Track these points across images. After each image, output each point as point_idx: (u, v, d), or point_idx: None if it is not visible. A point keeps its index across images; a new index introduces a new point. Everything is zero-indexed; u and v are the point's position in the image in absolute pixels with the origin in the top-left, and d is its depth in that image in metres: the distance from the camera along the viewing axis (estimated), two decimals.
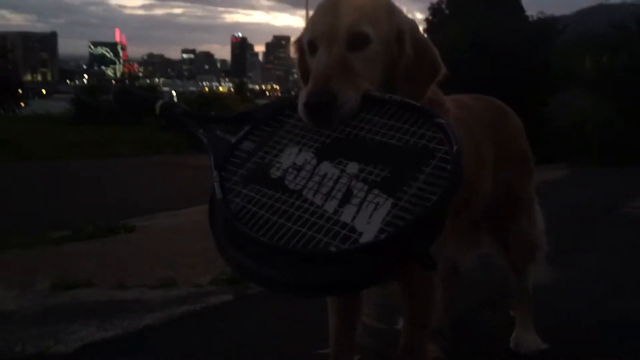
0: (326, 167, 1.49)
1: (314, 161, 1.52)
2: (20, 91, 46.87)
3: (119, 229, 6.40)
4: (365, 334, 2.09)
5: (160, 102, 1.91)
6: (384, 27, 1.69)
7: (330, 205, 1.40)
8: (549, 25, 24.35)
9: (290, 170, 1.52)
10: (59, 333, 2.60)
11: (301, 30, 1.83)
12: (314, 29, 1.69)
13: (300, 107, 1.59)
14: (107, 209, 8.74)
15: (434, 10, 29.96)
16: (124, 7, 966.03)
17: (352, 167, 1.46)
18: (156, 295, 3.20)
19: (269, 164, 1.56)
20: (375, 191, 1.38)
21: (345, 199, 1.40)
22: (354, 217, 1.35)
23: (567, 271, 3.79)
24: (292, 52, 1.90)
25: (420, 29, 1.85)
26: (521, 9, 26.39)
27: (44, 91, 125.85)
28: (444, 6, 29.60)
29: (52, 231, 6.36)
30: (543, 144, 17.70)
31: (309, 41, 1.71)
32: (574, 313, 3.03)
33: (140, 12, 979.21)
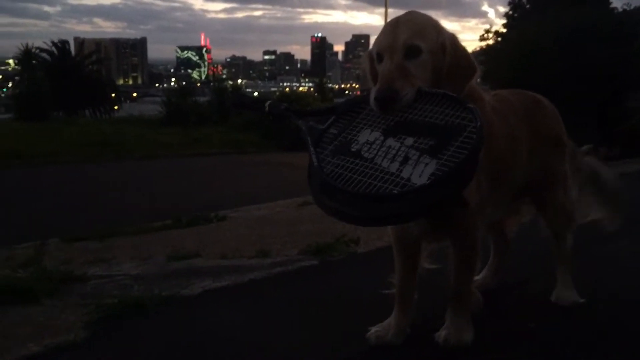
0: (390, 141, 2.11)
1: (382, 137, 2.14)
2: (114, 95, 49.81)
3: (212, 218, 7.20)
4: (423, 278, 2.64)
5: (268, 102, 2.61)
6: (432, 41, 2.27)
7: (393, 166, 2.02)
8: (635, 17, 23.43)
9: (365, 144, 2.15)
10: (183, 284, 3.32)
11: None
12: (381, 44, 2.29)
13: (371, 100, 2.20)
14: (198, 202, 9.60)
15: (515, 5, 29.46)
16: (207, 11, 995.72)
17: (409, 141, 2.08)
18: (254, 262, 3.89)
19: (349, 141, 2.19)
20: (425, 155, 2.01)
21: (404, 162, 2.02)
22: (411, 174, 1.98)
23: (619, 248, 4.13)
24: (364, 61, 2.50)
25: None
26: (606, 1, 25.56)
27: (135, 94, 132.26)
28: (524, 0, 29.06)
29: (153, 221, 7.20)
30: (625, 138, 17.30)
31: (377, 53, 2.32)
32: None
33: (223, 15, 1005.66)
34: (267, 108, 2.58)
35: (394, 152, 2.07)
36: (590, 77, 19.59)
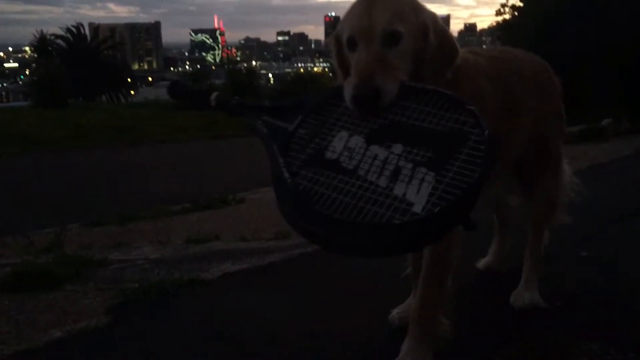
0: (375, 149, 1.73)
1: (364, 144, 1.75)
2: (130, 80, 50.08)
3: (230, 200, 7.21)
4: None
5: (214, 95, 2.12)
6: (412, 23, 1.90)
7: (382, 181, 1.65)
8: None
9: (344, 152, 1.75)
10: (203, 267, 3.32)
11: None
12: (353, 28, 1.90)
13: (348, 99, 1.80)
14: (217, 184, 9.60)
15: None
16: None
17: (397, 149, 1.70)
18: (273, 244, 3.90)
19: (324, 148, 1.78)
20: (422, 169, 1.64)
21: (395, 176, 1.64)
22: (405, 191, 1.61)
23: None
24: (331, 46, 2.09)
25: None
26: None
27: (150, 79, 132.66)
28: None
29: (172, 205, 7.22)
30: None
31: (349, 38, 1.92)
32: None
33: None
34: (213, 102, 2.11)
35: (379, 163, 1.69)
36: (620, 55, 18.95)
